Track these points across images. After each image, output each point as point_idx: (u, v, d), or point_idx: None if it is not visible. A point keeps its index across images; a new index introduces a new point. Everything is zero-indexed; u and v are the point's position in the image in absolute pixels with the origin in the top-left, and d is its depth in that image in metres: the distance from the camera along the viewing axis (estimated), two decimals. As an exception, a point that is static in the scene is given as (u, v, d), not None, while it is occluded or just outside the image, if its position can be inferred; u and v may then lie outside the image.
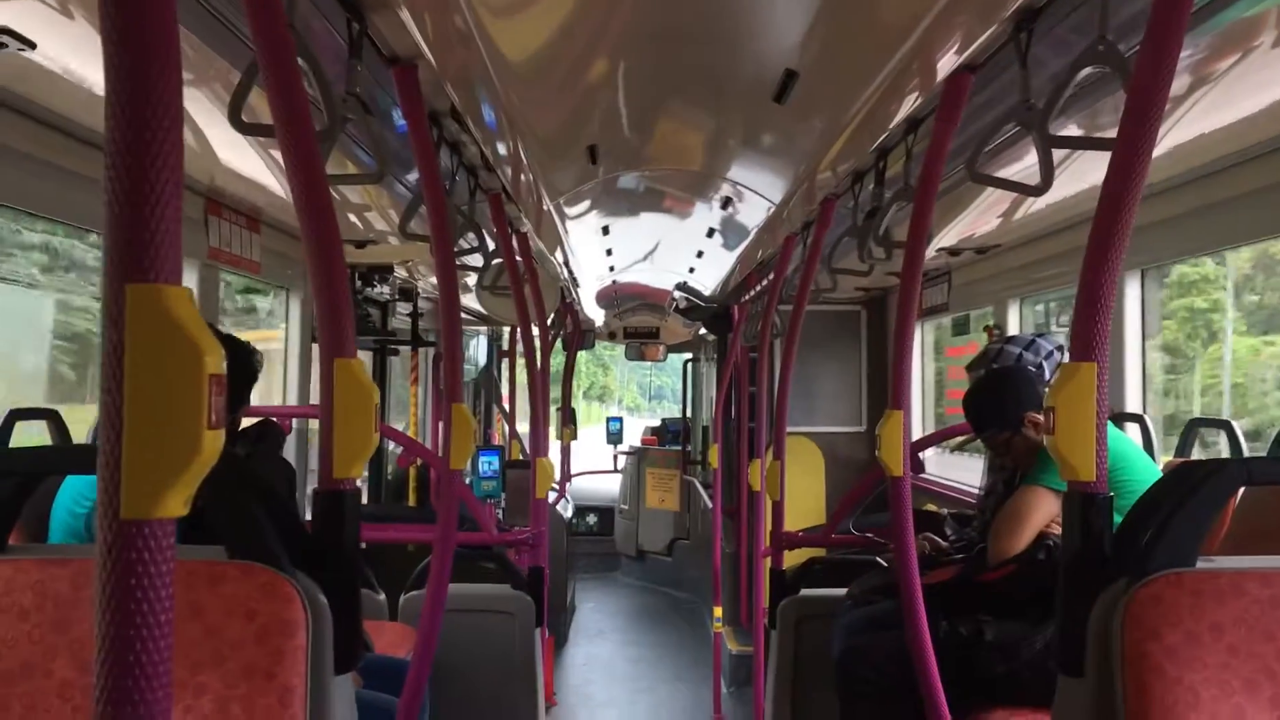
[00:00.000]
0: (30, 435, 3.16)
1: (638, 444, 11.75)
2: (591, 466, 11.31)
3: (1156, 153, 3.04)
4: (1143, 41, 1.55)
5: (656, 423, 12.52)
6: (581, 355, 11.25)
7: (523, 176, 3.58)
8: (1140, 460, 3.18)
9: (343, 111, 2.05)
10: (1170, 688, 1.46)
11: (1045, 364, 3.51)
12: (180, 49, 0.87)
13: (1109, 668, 1.51)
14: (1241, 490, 2.81)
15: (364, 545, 4.18)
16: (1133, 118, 1.55)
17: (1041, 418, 3.28)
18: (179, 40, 0.87)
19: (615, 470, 11.45)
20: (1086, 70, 2.00)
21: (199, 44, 2.26)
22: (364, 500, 6.93)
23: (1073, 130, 2.78)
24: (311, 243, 1.57)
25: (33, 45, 2.17)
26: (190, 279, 3.84)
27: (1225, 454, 3.42)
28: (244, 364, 2.75)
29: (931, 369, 6.75)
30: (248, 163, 3.48)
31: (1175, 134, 2.92)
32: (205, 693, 1.42)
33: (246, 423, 2.92)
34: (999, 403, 3.34)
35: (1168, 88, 1.53)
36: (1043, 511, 3.12)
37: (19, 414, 3.00)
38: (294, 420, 4.63)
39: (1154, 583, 1.51)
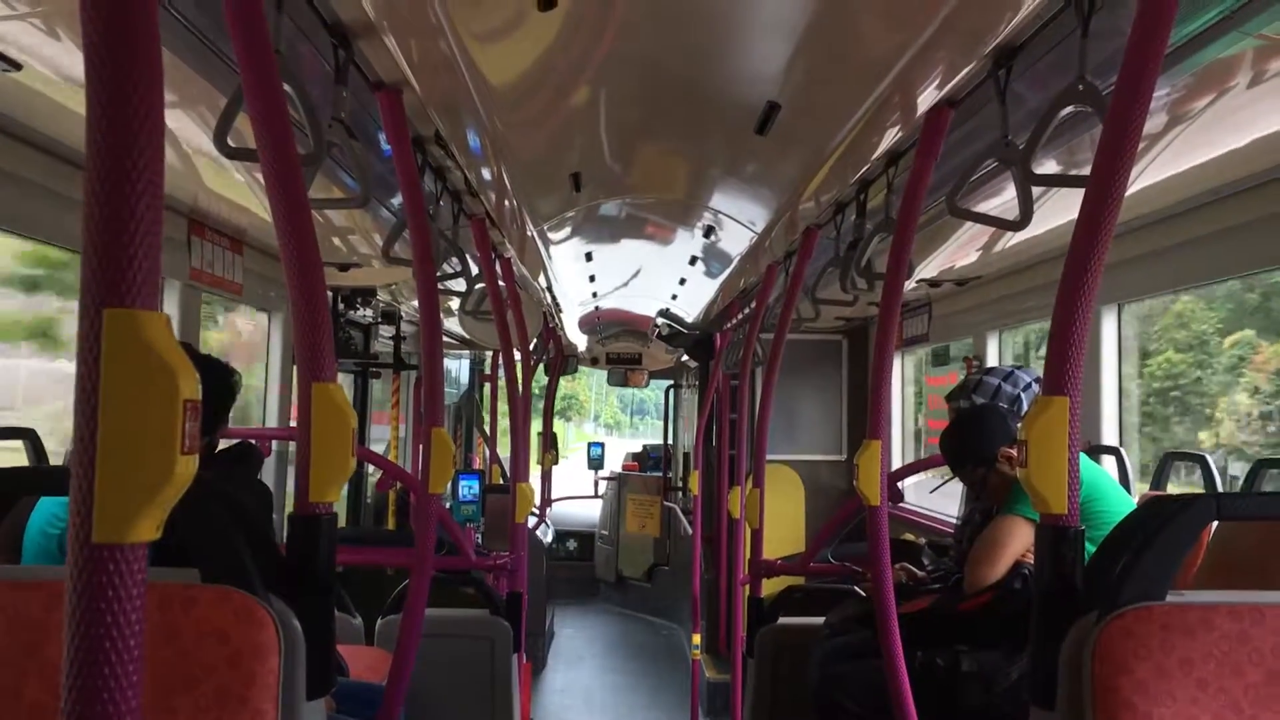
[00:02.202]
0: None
1: (619, 469, 11.74)
2: (572, 491, 11.29)
3: (1134, 189, 3.10)
4: (1117, 81, 1.58)
5: (638, 444, 12.53)
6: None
7: (506, 202, 3.60)
8: (1115, 492, 3.20)
9: (328, 137, 2.06)
10: None
11: (1024, 395, 3.53)
12: (162, 75, 0.88)
13: (1080, 700, 1.52)
14: (1215, 524, 2.83)
15: (341, 568, 4.16)
16: (1106, 155, 1.57)
17: (1015, 452, 3.31)
18: (161, 67, 0.88)
19: (596, 495, 11.44)
20: (1067, 110, 2.03)
21: (184, 67, 2.27)
22: (342, 523, 6.90)
23: (1051, 166, 2.82)
24: (293, 267, 1.58)
25: (18, 67, 2.18)
26: (172, 299, 3.84)
27: (1201, 487, 3.45)
28: (222, 385, 2.74)
29: (912, 399, 6.77)
30: (231, 185, 3.48)
31: (1152, 171, 2.96)
32: (177, 715, 1.41)
33: (225, 444, 2.91)
34: (972, 440, 3.37)
35: (1140, 126, 1.55)
36: (1019, 541, 3.14)
37: None
38: (274, 442, 4.62)
39: (1124, 616, 1.53)
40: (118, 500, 0.84)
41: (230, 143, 1.95)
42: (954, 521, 4.59)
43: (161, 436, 0.86)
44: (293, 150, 1.57)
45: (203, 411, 2.72)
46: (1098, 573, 1.62)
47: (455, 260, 3.70)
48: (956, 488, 3.99)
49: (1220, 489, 3.33)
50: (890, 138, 2.70)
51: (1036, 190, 3.02)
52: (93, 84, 0.85)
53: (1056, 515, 1.59)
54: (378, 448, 7.52)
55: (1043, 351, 5.17)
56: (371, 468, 6.65)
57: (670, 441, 11.19)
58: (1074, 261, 1.59)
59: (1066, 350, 1.58)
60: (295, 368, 1.61)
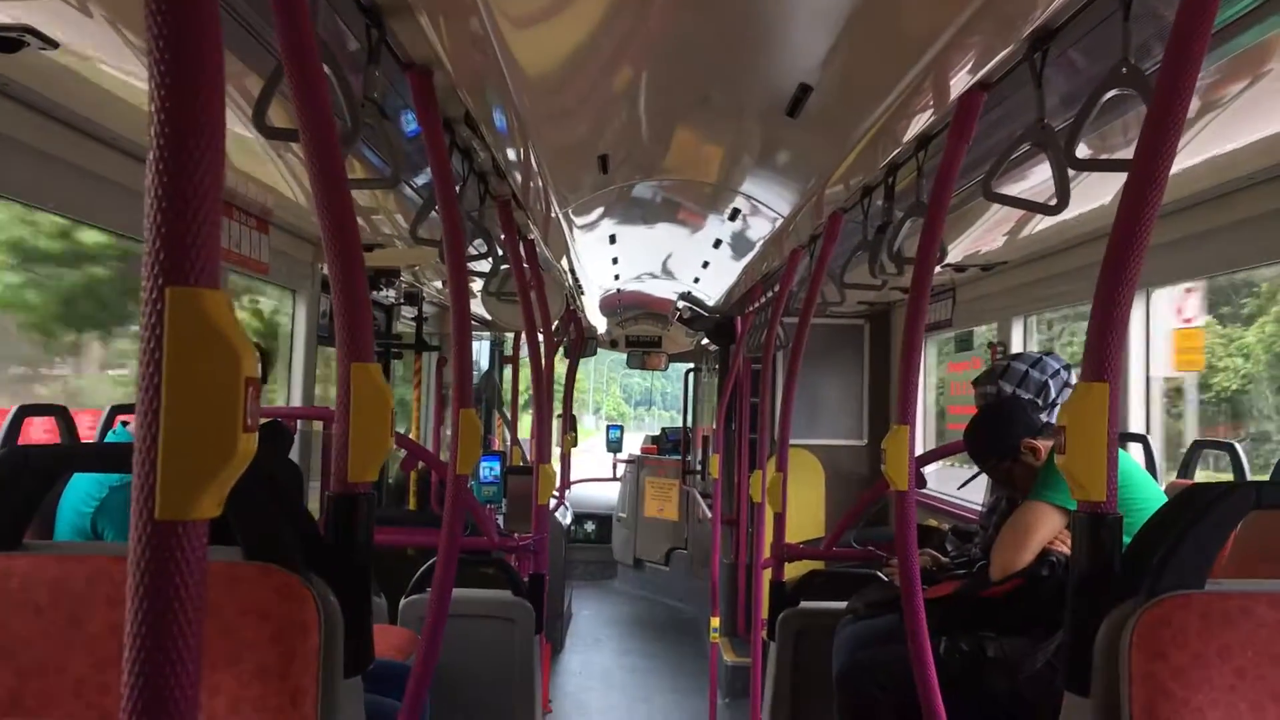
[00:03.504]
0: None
1: (636, 452, 11.76)
2: (588, 474, 11.31)
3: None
4: (1162, 63, 1.56)
5: (649, 434, 12.54)
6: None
7: (532, 184, 3.59)
8: (1144, 480, 3.19)
9: (361, 116, 2.06)
10: (1177, 709, 1.46)
11: (1051, 382, 3.52)
12: (222, 59, 0.88)
13: (1116, 688, 1.52)
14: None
15: None
16: (1151, 139, 1.56)
17: (1038, 443, 3.30)
18: (222, 50, 0.88)
19: (614, 478, 11.45)
20: (1111, 92, 2.01)
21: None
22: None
23: (1082, 148, 2.79)
24: (333, 248, 1.58)
25: (55, 45, 2.19)
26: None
27: (1228, 475, 3.43)
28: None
29: (934, 385, 6.76)
30: (258, 164, 3.49)
31: (1183, 157, 2.93)
32: (219, 692, 1.43)
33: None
34: (996, 434, 3.37)
35: (1185, 109, 1.54)
36: (1047, 527, 3.13)
37: (28, 410, 3.00)
38: (298, 421, 4.64)
39: (1162, 604, 1.52)
40: (181, 477, 0.85)
41: (269, 122, 1.95)
42: (976, 507, 4.58)
43: (225, 414, 0.87)
44: (332, 130, 1.57)
45: None
46: (1136, 560, 1.61)
47: (480, 242, 3.70)
48: (984, 479, 3.98)
49: (1248, 477, 3.32)
50: (922, 121, 2.68)
51: (1075, 172, 3.00)
52: (156, 69, 0.85)
53: (1095, 502, 1.59)
54: (398, 429, 7.54)
55: (1064, 340, 5.14)
56: (406, 451, 6.68)
57: (689, 425, 11.20)
58: (1116, 246, 1.58)
59: (1107, 336, 1.57)
60: (321, 346, 1.62)
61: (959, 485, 4.11)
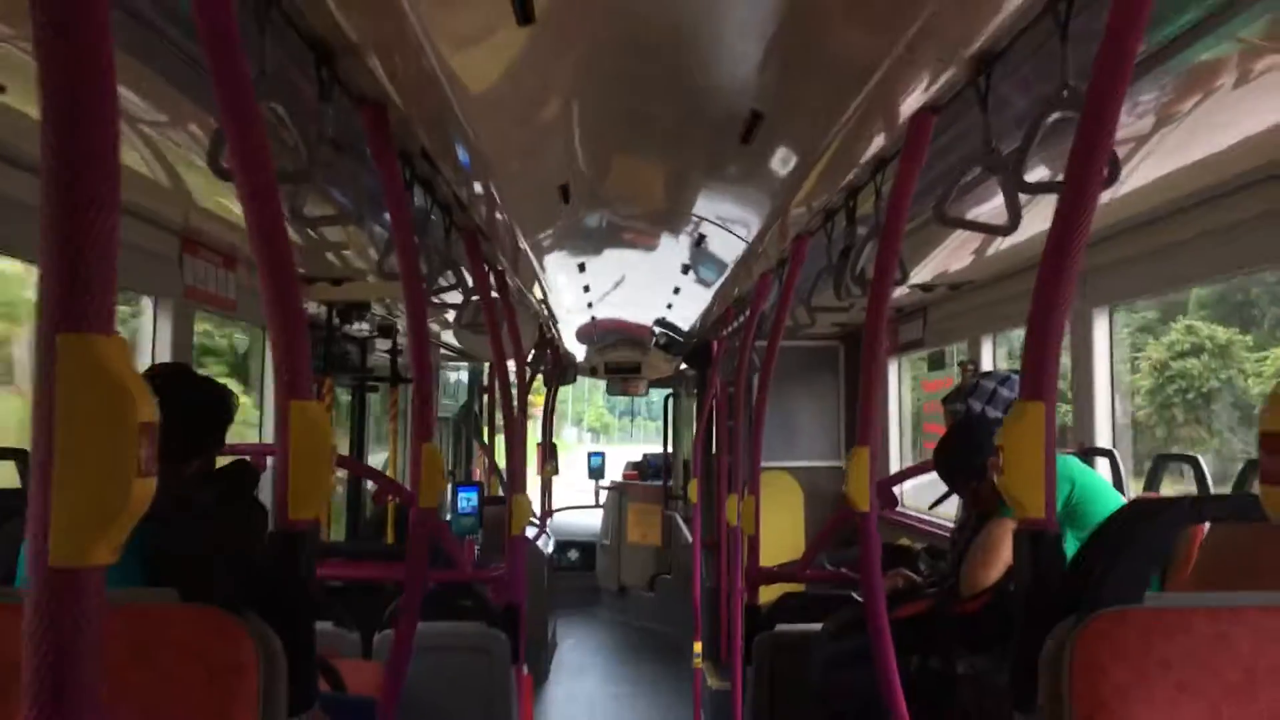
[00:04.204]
0: None
1: (619, 478, 11.74)
2: (571, 501, 11.28)
3: (1124, 191, 3.10)
4: (1090, 84, 1.58)
5: (630, 451, 12.53)
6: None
7: (497, 215, 3.61)
8: (1109, 494, 3.20)
9: (315, 155, 2.07)
10: None
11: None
12: (116, 95, 0.88)
13: (1059, 703, 1.52)
14: (1208, 526, 2.83)
15: (340, 583, 4.16)
16: (1079, 159, 1.58)
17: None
18: (115, 86, 0.88)
19: (597, 505, 11.43)
20: (1054, 115, 2.03)
21: (172, 88, 2.28)
22: (341, 537, 6.90)
23: (1041, 171, 2.82)
24: (270, 286, 1.58)
25: (2, 89, 2.19)
26: (165, 318, 3.85)
27: (1193, 489, 3.44)
28: (217, 408, 2.74)
29: (909, 403, 6.77)
30: (222, 202, 3.50)
31: (1142, 173, 2.96)
32: None
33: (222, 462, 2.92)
34: (962, 454, 3.39)
35: (1112, 129, 1.56)
36: (1012, 544, 3.14)
37: None
38: (269, 458, 4.62)
39: (1102, 619, 1.53)
40: (74, 524, 0.84)
41: (225, 164, 1.96)
42: (951, 526, 4.59)
43: (117, 461, 0.86)
44: (269, 169, 1.58)
45: (197, 432, 2.73)
46: (1078, 576, 1.62)
47: (451, 274, 3.71)
48: (955, 498, 3.99)
49: (1211, 490, 3.33)
50: (876, 144, 2.71)
51: (1023, 197, 3.03)
52: (46, 113, 0.86)
53: (1034, 520, 1.60)
54: (377, 460, 7.52)
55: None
56: (370, 482, 6.66)
57: (670, 450, 11.19)
58: (1049, 266, 1.59)
59: (1043, 355, 1.59)
60: (274, 385, 1.62)
61: (930, 505, 4.12)
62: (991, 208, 3.17)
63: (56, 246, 0.84)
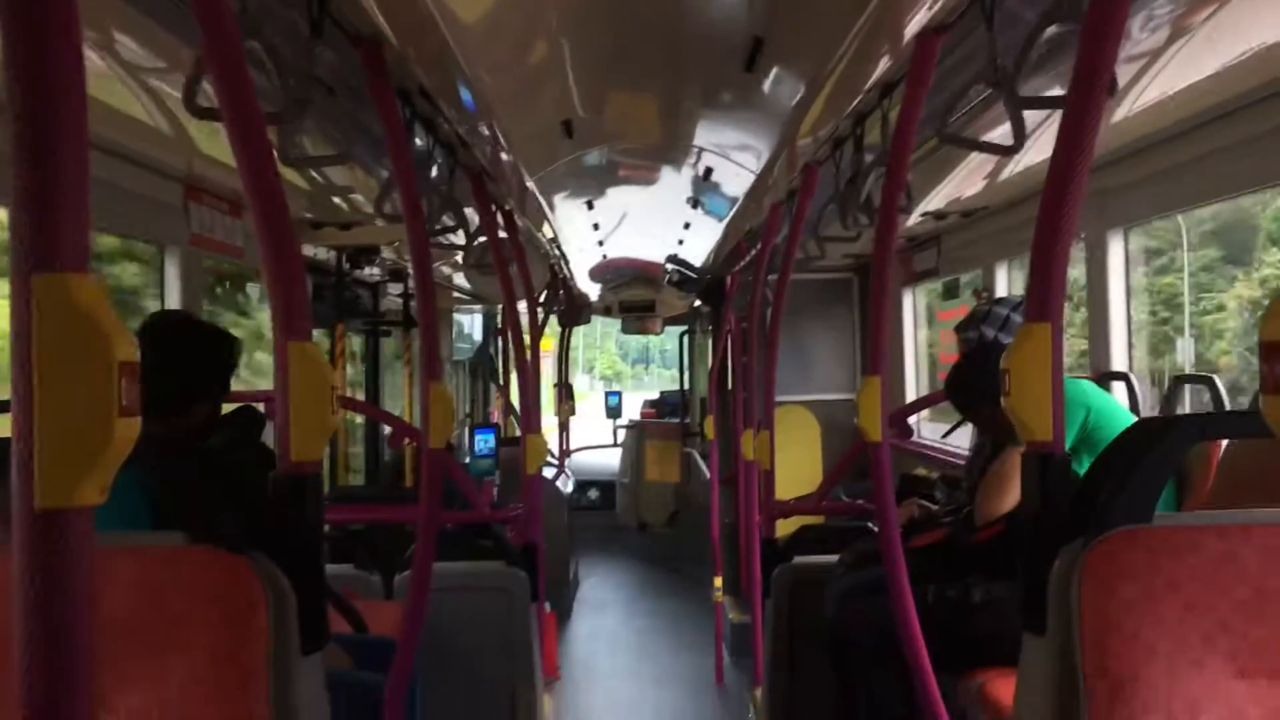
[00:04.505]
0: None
1: (635, 417, 11.78)
2: (587, 441, 11.33)
3: (1136, 109, 3.04)
4: None
5: (648, 395, 12.57)
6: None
7: (501, 154, 3.57)
8: (1126, 418, 3.18)
9: (302, 94, 2.04)
10: (1127, 643, 1.46)
11: None
12: (79, 24, 0.86)
13: (1068, 625, 1.52)
14: (1225, 445, 2.81)
15: (360, 526, 4.19)
16: (1083, 70, 1.54)
17: None
18: (78, 19, 0.86)
19: (615, 444, 11.48)
20: (1054, 29, 1.99)
21: (170, 34, 2.26)
22: (359, 481, 6.95)
23: (1054, 91, 2.77)
24: (262, 226, 1.57)
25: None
26: (172, 266, 3.84)
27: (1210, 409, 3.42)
28: (222, 353, 2.74)
29: (924, 333, 6.74)
30: (226, 148, 3.46)
31: (1154, 89, 2.90)
32: (169, 677, 1.43)
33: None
34: (975, 381, 3.34)
35: (1116, 40, 1.52)
36: None
37: None
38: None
39: (1110, 539, 1.52)
40: (58, 466, 0.84)
41: (202, 103, 1.93)
42: (966, 455, 4.58)
43: (97, 400, 0.86)
44: (254, 108, 1.56)
45: (202, 377, 2.72)
46: (1085, 498, 1.61)
47: (453, 214, 3.68)
48: (968, 428, 3.97)
49: (1226, 409, 3.30)
50: (882, 67, 2.66)
51: (1039, 115, 2.97)
52: (9, 43, 0.84)
53: (1042, 443, 1.58)
54: (394, 407, 7.55)
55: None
56: (388, 426, 6.69)
57: (687, 387, 11.20)
58: (1053, 186, 1.56)
59: (1048, 276, 1.56)
60: (272, 327, 1.61)
61: (943, 434, 4.10)
62: (1000, 132, 3.12)
63: (27, 186, 0.83)
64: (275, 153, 1.70)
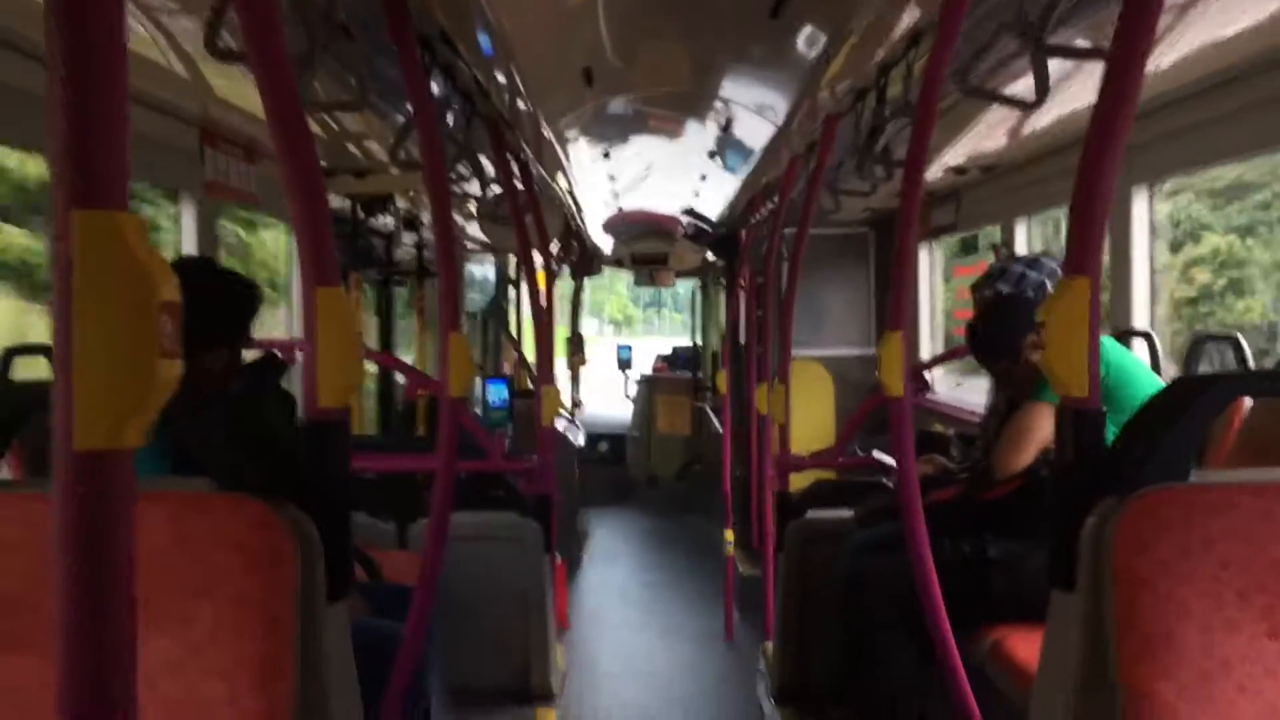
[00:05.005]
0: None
1: (648, 371, 11.79)
2: (600, 395, 11.34)
3: (1165, 63, 2.99)
4: None
5: (657, 344, 12.58)
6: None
7: (519, 102, 3.53)
8: (1146, 376, 3.16)
9: (322, 36, 2.01)
10: (1161, 600, 1.45)
11: (1048, 281, 3.48)
12: None
13: (1100, 581, 1.51)
14: (1249, 404, 2.79)
15: (374, 476, 4.20)
16: (1128, 23, 1.50)
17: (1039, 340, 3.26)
18: None
19: (626, 397, 11.49)
20: None
21: None
22: (374, 430, 6.96)
23: (1081, 41, 2.72)
24: (289, 170, 1.55)
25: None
26: (188, 212, 3.82)
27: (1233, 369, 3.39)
28: (243, 298, 2.73)
29: (941, 289, 6.70)
30: (242, 93, 3.43)
31: (1183, 43, 2.85)
32: (195, 622, 1.43)
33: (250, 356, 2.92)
34: (998, 332, 3.33)
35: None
36: (1046, 428, 3.11)
37: (16, 351, 2.99)
38: (298, 351, 4.63)
39: (1145, 497, 1.50)
40: (98, 407, 0.83)
41: (224, 45, 1.90)
42: (983, 412, 4.56)
43: (139, 340, 0.84)
44: (283, 48, 1.53)
45: (223, 324, 2.72)
46: (1120, 454, 1.59)
47: (469, 163, 3.65)
48: (980, 381, 3.95)
49: (1250, 369, 3.28)
50: (910, 16, 2.61)
51: (1063, 69, 2.92)
52: None
53: (1077, 398, 1.57)
54: (406, 357, 7.55)
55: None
56: (401, 376, 6.69)
57: (699, 341, 11.19)
58: (1095, 137, 1.53)
59: (1088, 230, 1.54)
60: (299, 273, 1.59)
61: (955, 384, 4.07)
62: (1026, 84, 3.07)
63: (67, 122, 0.81)
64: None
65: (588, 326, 11.72)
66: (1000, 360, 3.33)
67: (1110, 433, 1.67)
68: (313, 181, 1.57)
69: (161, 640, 1.41)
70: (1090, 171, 1.54)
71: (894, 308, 2.55)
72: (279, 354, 3.57)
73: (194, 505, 1.48)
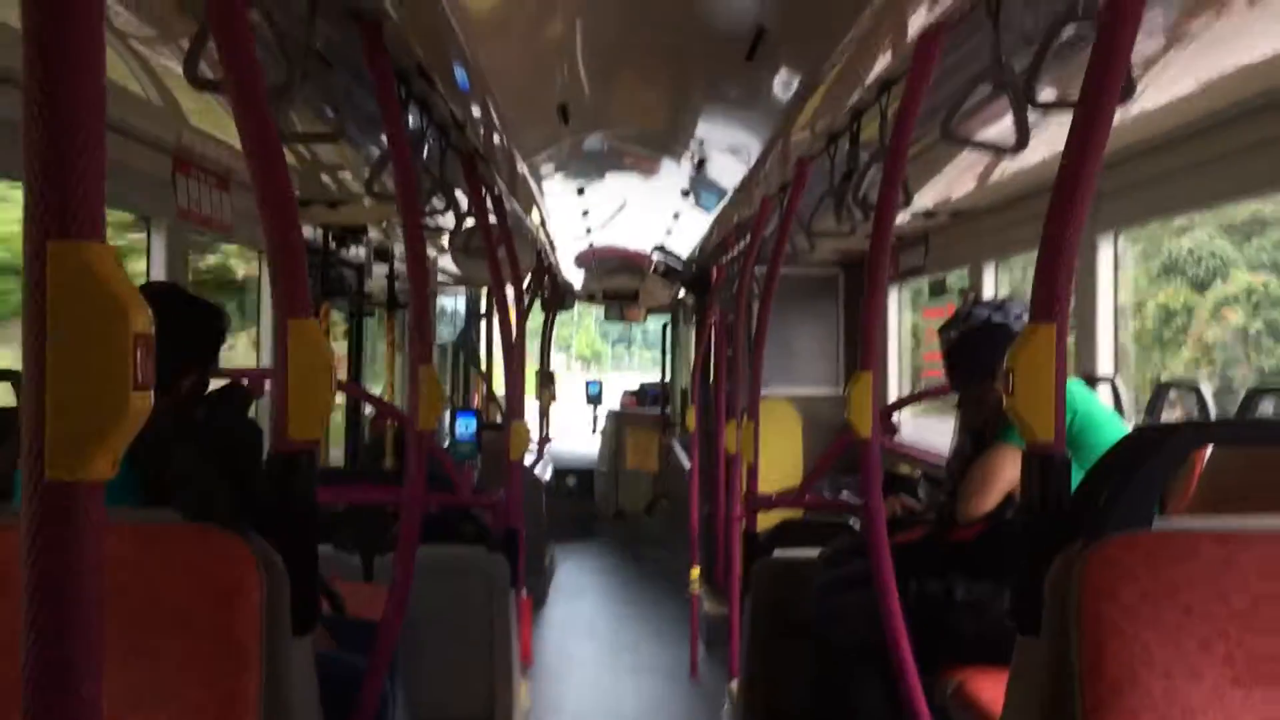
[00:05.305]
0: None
1: (616, 406, 11.79)
2: (568, 430, 11.32)
3: (1131, 114, 3.04)
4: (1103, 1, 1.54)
5: (626, 380, 12.61)
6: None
7: (495, 137, 3.55)
8: (1111, 422, 3.19)
9: (300, 67, 2.01)
10: (1126, 646, 1.47)
11: (1013, 325, 3.51)
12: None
13: (1065, 627, 1.52)
14: (1209, 451, 2.83)
15: (341, 507, 4.17)
16: (1095, 76, 1.54)
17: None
18: None
19: (594, 432, 11.48)
20: (1068, 30, 1.98)
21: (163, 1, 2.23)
22: (340, 462, 6.91)
23: (1048, 91, 2.77)
24: (265, 201, 1.55)
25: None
26: (159, 239, 3.80)
27: (1195, 416, 3.43)
28: (210, 325, 2.71)
29: (909, 332, 6.75)
30: (216, 121, 3.43)
31: (1150, 95, 2.91)
32: (161, 655, 1.41)
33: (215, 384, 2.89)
34: (974, 357, 3.33)
35: (1129, 45, 1.52)
36: (1011, 471, 3.13)
37: None
38: (267, 381, 4.60)
39: (1110, 544, 1.52)
40: (69, 438, 0.82)
41: (204, 75, 1.91)
42: (948, 454, 4.59)
43: (112, 372, 0.84)
44: (260, 81, 1.53)
45: (190, 350, 2.70)
46: (1084, 501, 1.61)
47: (443, 196, 3.65)
48: (946, 424, 3.98)
49: (1213, 417, 3.32)
50: (883, 63, 2.65)
51: (1032, 117, 2.97)
52: (28, 10, 0.81)
53: (1043, 443, 1.58)
54: (373, 389, 7.51)
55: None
56: (369, 407, 6.65)
57: (668, 378, 11.21)
58: (1062, 186, 1.56)
59: (1054, 277, 1.56)
60: (272, 304, 1.59)
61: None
62: (997, 130, 3.12)
63: (44, 152, 0.81)
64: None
65: (555, 361, 11.67)
66: (974, 383, 3.33)
67: (1075, 477, 1.69)
68: (288, 214, 1.57)
69: (126, 672, 1.39)
70: (1057, 220, 1.57)
71: (865, 348, 2.57)
72: (245, 383, 3.55)
73: (159, 536, 1.46)
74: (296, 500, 1.60)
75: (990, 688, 2.87)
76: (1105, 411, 3.28)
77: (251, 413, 3.63)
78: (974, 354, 3.36)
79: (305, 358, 1.57)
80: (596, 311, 11.44)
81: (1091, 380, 3.77)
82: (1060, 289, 1.57)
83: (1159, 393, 3.48)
